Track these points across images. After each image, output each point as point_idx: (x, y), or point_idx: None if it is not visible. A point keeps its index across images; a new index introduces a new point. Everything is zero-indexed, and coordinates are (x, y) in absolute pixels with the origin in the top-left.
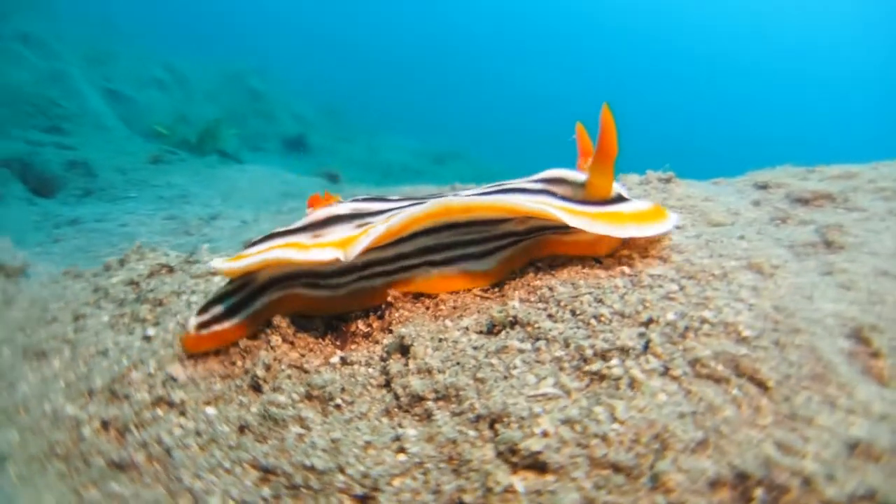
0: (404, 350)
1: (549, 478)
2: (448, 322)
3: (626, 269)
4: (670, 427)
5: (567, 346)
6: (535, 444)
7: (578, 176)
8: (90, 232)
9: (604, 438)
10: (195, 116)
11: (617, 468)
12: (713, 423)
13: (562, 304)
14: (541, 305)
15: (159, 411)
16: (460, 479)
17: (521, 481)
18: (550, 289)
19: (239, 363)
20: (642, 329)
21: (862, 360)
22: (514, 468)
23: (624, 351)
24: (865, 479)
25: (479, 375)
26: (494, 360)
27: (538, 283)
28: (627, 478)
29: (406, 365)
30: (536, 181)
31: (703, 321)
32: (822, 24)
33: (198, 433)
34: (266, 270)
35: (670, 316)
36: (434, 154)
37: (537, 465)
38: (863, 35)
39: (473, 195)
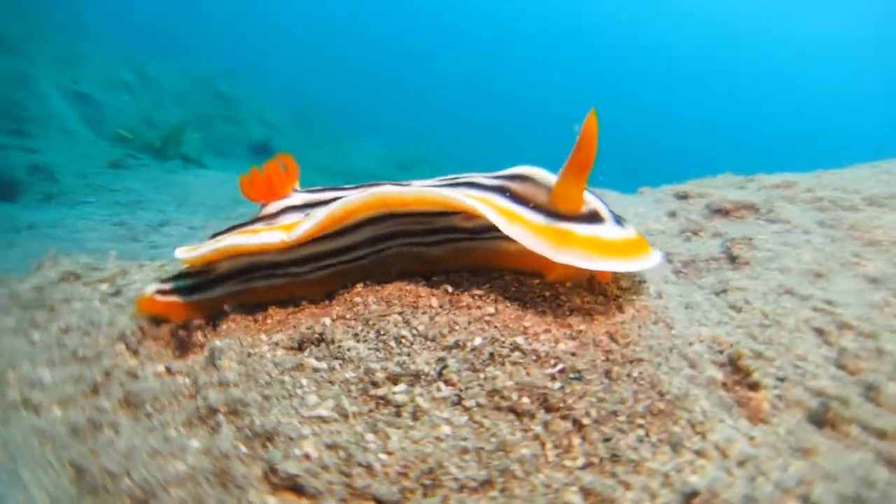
0: (214, 362)
1: (305, 502)
2: (263, 336)
3: (450, 288)
4: (445, 463)
5: (359, 367)
6: (293, 467)
7: (550, 178)
8: (44, 238)
9: (368, 468)
10: (161, 120)
11: (379, 501)
12: (502, 463)
13: (370, 322)
14: (352, 323)
15: (23, 411)
16: (225, 494)
17: (277, 503)
18: (365, 305)
19: (93, 368)
20: (444, 354)
21: (737, 392)
22: (275, 489)
23: (416, 377)
24: None
25: (267, 392)
26: (286, 378)
27: (358, 298)
28: None
29: (212, 377)
30: (497, 177)
31: (515, 348)
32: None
33: (42, 432)
34: (227, 262)
35: (477, 341)
36: (399, 160)
37: (296, 488)
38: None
39: (417, 187)
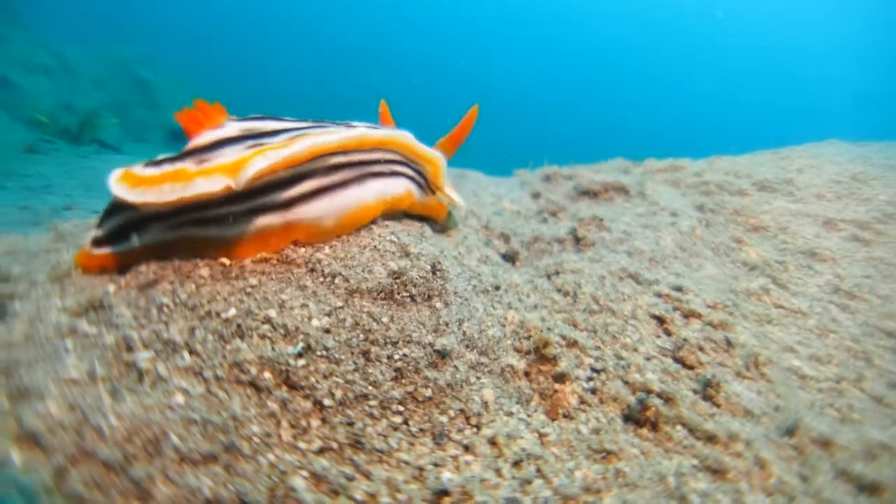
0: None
1: (39, 454)
2: (57, 300)
3: (226, 261)
4: (169, 432)
5: (119, 333)
6: (33, 421)
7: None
8: None
9: (98, 431)
10: (80, 105)
11: (106, 464)
12: (229, 439)
13: (143, 289)
14: (130, 290)
15: None
16: None
17: (18, 453)
18: (145, 274)
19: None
20: (196, 323)
21: (540, 383)
22: (19, 441)
23: (166, 344)
24: None
25: (38, 354)
26: (59, 341)
27: (143, 267)
28: (115, 476)
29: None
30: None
31: (266, 321)
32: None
33: None
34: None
35: (230, 312)
36: None
37: (35, 442)
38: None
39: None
